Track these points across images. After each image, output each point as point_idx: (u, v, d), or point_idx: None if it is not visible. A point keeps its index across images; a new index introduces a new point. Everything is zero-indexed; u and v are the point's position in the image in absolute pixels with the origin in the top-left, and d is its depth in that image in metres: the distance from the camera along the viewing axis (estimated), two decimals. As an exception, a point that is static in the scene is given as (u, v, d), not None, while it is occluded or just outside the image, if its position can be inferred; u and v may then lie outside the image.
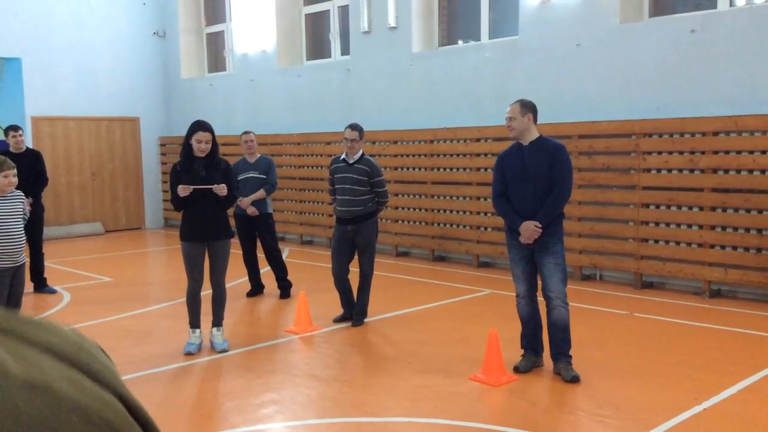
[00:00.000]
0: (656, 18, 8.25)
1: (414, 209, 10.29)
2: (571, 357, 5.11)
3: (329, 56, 12.18)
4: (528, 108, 5.08)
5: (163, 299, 7.87)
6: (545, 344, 5.28)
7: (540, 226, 4.95)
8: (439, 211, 9.99)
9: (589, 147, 8.24)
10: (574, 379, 4.97)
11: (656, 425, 4.17)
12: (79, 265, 10.23)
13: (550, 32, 8.81)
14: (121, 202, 14.49)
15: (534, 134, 5.09)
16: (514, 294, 5.28)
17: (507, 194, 5.15)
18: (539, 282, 5.18)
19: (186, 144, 5.68)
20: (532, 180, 5.00)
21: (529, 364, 5.21)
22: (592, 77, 8.45)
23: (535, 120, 5.11)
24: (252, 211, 7.64)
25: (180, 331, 6.23)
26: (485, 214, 9.40)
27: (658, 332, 6.23)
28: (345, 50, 11.73)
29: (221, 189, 5.58)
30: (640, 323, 6.54)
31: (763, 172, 7.07)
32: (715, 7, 7.81)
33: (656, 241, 7.86)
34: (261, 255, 7.89)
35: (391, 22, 10.56)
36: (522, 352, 5.29)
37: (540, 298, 5.21)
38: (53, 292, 8.26)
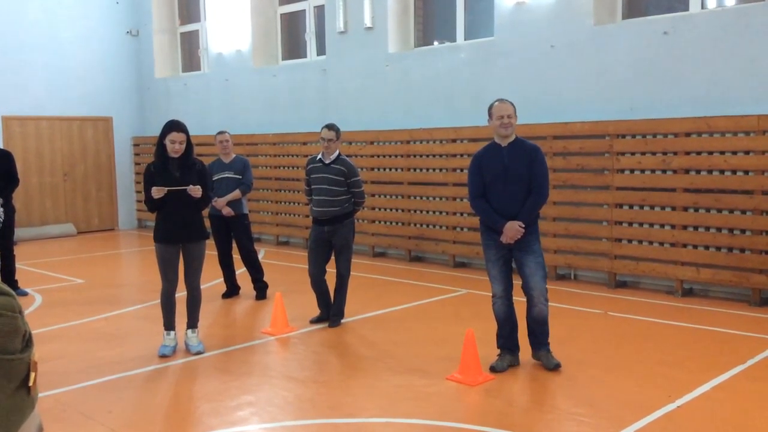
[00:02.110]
0: (629, 20, 8.34)
1: (390, 210, 10.29)
2: (549, 345, 5.24)
3: (305, 56, 12.14)
4: (515, 109, 5.20)
5: (137, 301, 7.78)
6: (519, 343, 5.33)
7: (523, 226, 4.99)
8: (415, 211, 10.00)
9: (564, 148, 8.31)
10: (557, 367, 5.11)
11: (631, 423, 4.21)
12: (50, 267, 10.08)
13: (525, 34, 8.87)
14: (94, 202, 14.31)
15: (513, 135, 5.18)
16: (491, 294, 5.30)
17: (484, 195, 5.16)
18: (512, 282, 5.24)
19: (160, 144, 5.62)
20: (513, 181, 5.04)
21: (505, 364, 5.24)
22: (566, 78, 8.52)
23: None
24: (227, 211, 7.58)
25: (154, 333, 6.16)
26: (461, 214, 9.44)
27: (632, 331, 6.29)
28: (321, 50, 11.70)
29: (196, 190, 5.53)
30: (614, 322, 6.61)
31: (734, 172, 7.19)
32: (686, 9, 7.92)
33: (630, 241, 7.94)
34: (237, 256, 7.84)
35: (367, 22, 10.55)
36: (498, 351, 5.32)
37: (515, 297, 5.25)
38: (24, 294, 8.12)
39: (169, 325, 5.81)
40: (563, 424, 4.30)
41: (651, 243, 7.78)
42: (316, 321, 6.65)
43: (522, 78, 8.89)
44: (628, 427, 4.16)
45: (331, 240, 6.51)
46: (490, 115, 5.18)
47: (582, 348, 5.67)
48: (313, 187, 6.54)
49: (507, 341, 5.28)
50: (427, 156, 9.77)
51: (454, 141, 9.47)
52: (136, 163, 14.69)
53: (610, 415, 4.36)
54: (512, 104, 5.18)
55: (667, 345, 5.83)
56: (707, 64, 7.48)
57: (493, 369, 5.17)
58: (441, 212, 9.68)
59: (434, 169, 9.72)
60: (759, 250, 7.03)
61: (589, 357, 5.49)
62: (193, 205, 5.62)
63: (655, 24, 7.90)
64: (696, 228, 7.46)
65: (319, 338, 6.25)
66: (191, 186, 5.53)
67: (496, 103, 5.18)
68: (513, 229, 4.99)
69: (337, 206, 6.43)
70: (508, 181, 5.05)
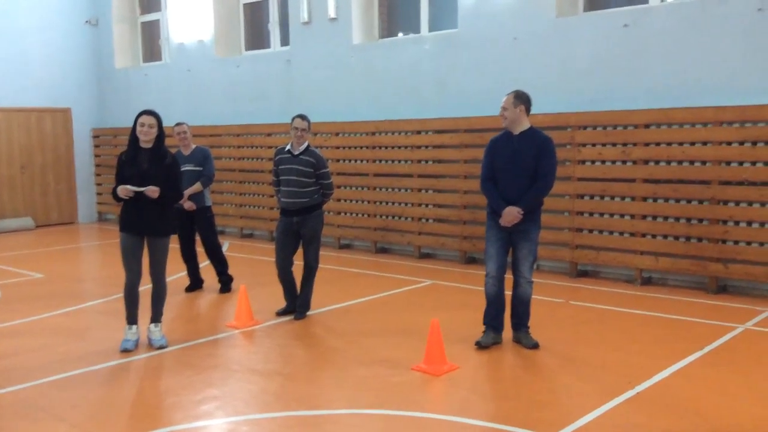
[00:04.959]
0: (590, 12, 8.44)
1: (356, 201, 10.29)
2: (529, 327, 5.56)
3: (269, 47, 12.03)
4: (521, 100, 5.37)
5: (98, 295, 7.66)
6: (504, 324, 5.62)
7: (522, 212, 5.24)
8: (381, 203, 10.02)
9: (527, 139, 8.37)
10: (535, 346, 5.43)
11: (592, 409, 4.30)
12: (9, 262, 9.86)
13: (488, 25, 8.92)
14: (53, 195, 14.02)
15: (525, 125, 5.39)
16: (484, 273, 5.55)
17: (494, 178, 5.41)
18: (506, 265, 5.52)
19: (133, 132, 5.57)
20: (520, 168, 5.30)
21: (489, 340, 5.50)
22: (529, 70, 8.59)
23: (527, 111, 5.39)
24: (189, 205, 7.48)
25: (116, 328, 6.08)
26: (427, 205, 9.48)
27: (593, 319, 6.41)
28: (285, 41, 11.61)
29: (152, 192, 5.43)
30: (575, 311, 6.72)
31: (691, 162, 7.34)
32: (646, 2, 8.04)
33: (590, 231, 8.07)
34: (200, 249, 7.76)
35: (332, 13, 10.50)
36: (484, 328, 5.57)
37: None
38: (-19, 290, 7.94)
39: (131, 318, 5.74)
40: (526, 412, 4.36)
41: (611, 233, 7.91)
42: (282, 313, 6.63)
43: (485, 70, 8.94)
44: (589, 414, 4.24)
45: (299, 231, 6.49)
46: None
47: (545, 336, 5.74)
48: (281, 178, 6.50)
49: (493, 320, 5.56)
50: (393, 147, 9.78)
51: (419, 132, 9.49)
52: (96, 155, 14.42)
53: (572, 402, 4.44)
54: (513, 96, 5.36)
55: (627, 333, 5.95)
56: (666, 57, 7.61)
57: (479, 344, 5.47)
58: (407, 204, 9.71)
59: (400, 161, 9.74)
60: (715, 239, 7.21)
61: (551, 345, 5.57)
62: (159, 201, 5.53)
63: (615, 17, 8.01)
64: (655, 218, 7.61)
65: (284, 331, 6.24)
66: (149, 187, 5.44)
67: None
68: (511, 214, 5.26)
69: (306, 197, 6.41)
70: (516, 168, 5.31)
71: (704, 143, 7.24)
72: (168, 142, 7.87)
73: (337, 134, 10.39)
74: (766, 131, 6.91)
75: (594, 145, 7.95)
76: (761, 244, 6.97)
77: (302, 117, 6.48)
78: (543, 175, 5.31)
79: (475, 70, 9.04)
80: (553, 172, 5.38)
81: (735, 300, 6.94)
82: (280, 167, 6.52)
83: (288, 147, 6.53)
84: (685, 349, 5.40)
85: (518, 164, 5.32)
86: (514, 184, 5.32)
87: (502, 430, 4.06)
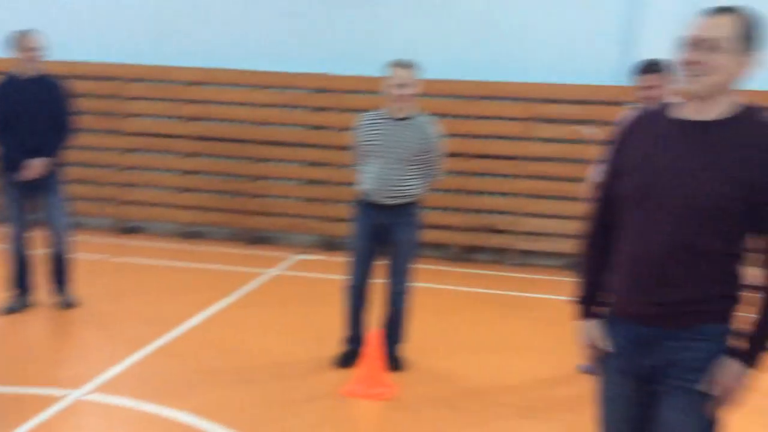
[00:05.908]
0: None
1: None
2: (66, 286, 5.28)
3: None
4: None
5: None
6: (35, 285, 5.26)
7: (47, 163, 4.93)
8: None
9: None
10: (71, 305, 5.22)
11: (121, 360, 4.29)
12: None
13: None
14: None
15: (39, 69, 5.07)
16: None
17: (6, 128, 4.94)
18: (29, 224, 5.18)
19: None
20: (39, 115, 4.94)
21: (19, 304, 5.14)
22: (70, 15, 7.94)
23: None
24: None
25: None
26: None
27: (134, 274, 6.41)
28: None
29: None
30: (117, 267, 6.61)
31: (237, 122, 7.74)
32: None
33: (139, 186, 7.97)
34: None
35: None
36: (12, 292, 5.15)
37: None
38: None
39: None
40: (51, 371, 4.15)
41: (160, 188, 7.94)
42: None
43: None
44: (116, 365, 4.23)
45: None
46: None
47: (84, 294, 5.43)
48: None
49: (21, 282, 5.17)
50: None
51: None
52: None
53: (102, 356, 4.40)
54: (38, 36, 5.01)
55: (167, 285, 6.10)
56: (212, 17, 7.76)
57: (9, 310, 5.07)
58: None
59: None
60: (252, 194, 7.78)
61: (89, 302, 5.36)
62: None
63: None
64: (200, 174, 7.86)
65: None
66: None
67: None
68: (35, 165, 4.89)
69: None
70: (33, 114, 4.92)
71: (246, 104, 7.70)
72: None
73: None
74: (301, 97, 7.63)
75: (144, 99, 7.83)
76: (294, 198, 7.76)
77: None
78: (61, 123, 5.09)
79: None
80: (71, 118, 5.15)
81: (269, 249, 7.59)
82: None
83: None
84: (222, 295, 5.75)
85: (35, 111, 4.96)
86: (33, 133, 4.94)
87: (19, 394, 3.78)
